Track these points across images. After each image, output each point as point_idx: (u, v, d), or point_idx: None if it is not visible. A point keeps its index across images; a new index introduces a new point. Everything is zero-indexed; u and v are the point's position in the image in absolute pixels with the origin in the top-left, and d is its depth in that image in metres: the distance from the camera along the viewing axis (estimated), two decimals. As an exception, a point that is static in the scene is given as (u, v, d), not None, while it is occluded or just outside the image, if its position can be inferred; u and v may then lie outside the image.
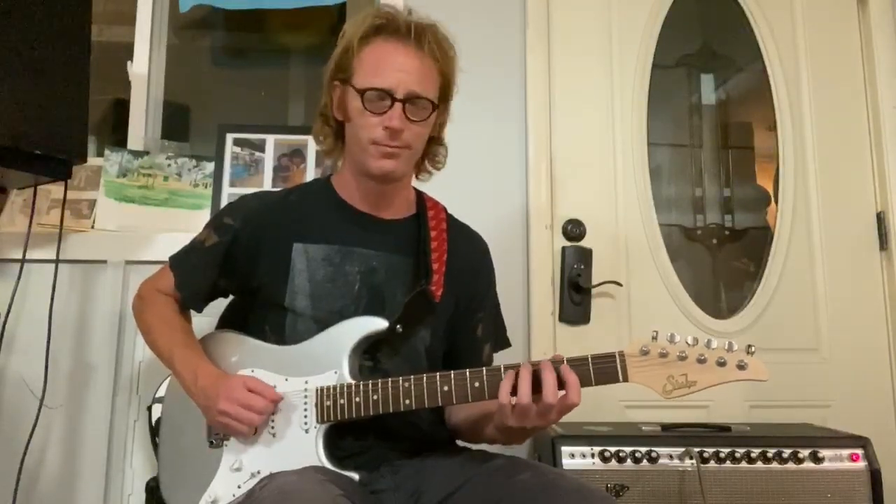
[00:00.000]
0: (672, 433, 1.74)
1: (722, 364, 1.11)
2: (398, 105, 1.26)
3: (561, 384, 1.13)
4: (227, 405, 1.22)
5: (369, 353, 1.31)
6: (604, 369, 1.14)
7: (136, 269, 1.94)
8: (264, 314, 1.35)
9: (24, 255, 1.79)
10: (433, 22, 1.33)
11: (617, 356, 1.14)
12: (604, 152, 2.22)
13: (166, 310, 1.40)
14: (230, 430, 1.25)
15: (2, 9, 1.59)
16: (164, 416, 1.43)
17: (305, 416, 1.24)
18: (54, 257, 1.84)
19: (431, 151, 1.42)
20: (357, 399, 1.22)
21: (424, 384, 1.20)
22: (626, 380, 1.14)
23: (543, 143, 2.16)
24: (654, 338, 1.14)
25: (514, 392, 1.14)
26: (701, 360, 1.11)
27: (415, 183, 1.47)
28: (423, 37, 1.30)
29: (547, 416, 1.14)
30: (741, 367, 1.10)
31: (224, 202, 1.99)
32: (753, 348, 1.11)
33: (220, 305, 1.47)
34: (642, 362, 1.13)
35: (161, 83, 2.30)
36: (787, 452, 1.66)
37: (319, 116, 1.40)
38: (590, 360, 1.15)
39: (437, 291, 1.34)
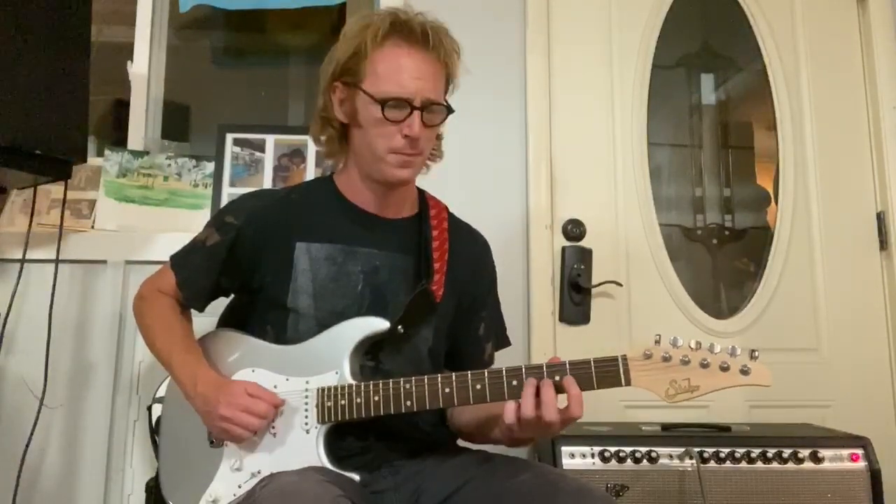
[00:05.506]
0: (672, 433, 1.74)
1: (725, 369, 1.11)
2: (417, 113, 1.25)
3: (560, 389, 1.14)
4: (228, 410, 1.21)
5: (371, 354, 1.30)
6: (606, 373, 1.14)
7: (136, 269, 1.94)
8: (266, 313, 1.35)
9: (24, 255, 1.79)
10: (443, 24, 1.32)
11: (620, 360, 1.14)
12: (604, 152, 2.22)
13: (167, 311, 1.39)
14: (230, 436, 1.24)
15: (1, 9, 1.59)
16: (164, 416, 1.42)
17: (306, 417, 1.24)
18: (54, 257, 1.83)
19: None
20: (358, 400, 1.22)
21: (426, 386, 1.19)
22: (628, 384, 1.13)
23: (543, 143, 2.15)
24: (657, 341, 1.13)
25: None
26: (704, 365, 1.11)
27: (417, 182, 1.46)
28: (437, 41, 1.28)
29: (549, 429, 1.14)
30: (744, 371, 1.10)
31: (224, 202, 1.98)
32: (757, 353, 1.11)
33: (220, 305, 1.46)
34: (645, 366, 1.13)
35: (161, 83, 2.29)
36: (787, 452, 1.66)
37: (319, 118, 1.37)
38: (592, 363, 1.14)
39: (437, 291, 1.34)
